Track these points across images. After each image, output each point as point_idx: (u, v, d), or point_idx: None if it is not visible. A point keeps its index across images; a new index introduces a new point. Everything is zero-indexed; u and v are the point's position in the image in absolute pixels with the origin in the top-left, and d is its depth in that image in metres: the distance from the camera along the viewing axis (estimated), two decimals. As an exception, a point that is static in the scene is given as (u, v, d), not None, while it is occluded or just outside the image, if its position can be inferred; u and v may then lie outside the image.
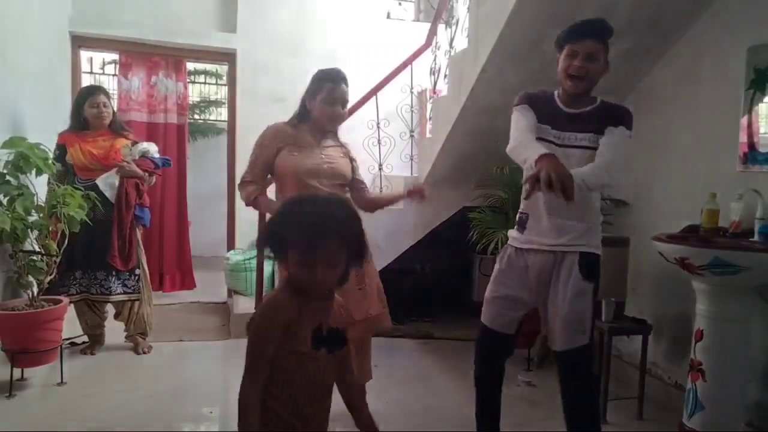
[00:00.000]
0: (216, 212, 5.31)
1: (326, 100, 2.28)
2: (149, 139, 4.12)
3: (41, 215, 2.81)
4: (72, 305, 3.11)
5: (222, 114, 6.99)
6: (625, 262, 2.82)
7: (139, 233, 3.35)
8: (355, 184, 2.45)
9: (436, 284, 4.48)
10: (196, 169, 5.34)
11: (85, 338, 3.34)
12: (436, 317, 4.19)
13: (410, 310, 4.10)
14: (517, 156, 1.90)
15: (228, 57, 4.81)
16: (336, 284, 1.30)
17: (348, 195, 2.39)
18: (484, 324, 2.10)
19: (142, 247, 3.38)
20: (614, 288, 2.72)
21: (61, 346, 2.83)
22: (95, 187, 3.13)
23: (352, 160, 2.46)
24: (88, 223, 2.93)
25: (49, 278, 2.85)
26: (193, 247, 4.91)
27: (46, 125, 3.47)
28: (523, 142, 1.88)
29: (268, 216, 2.32)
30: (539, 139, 1.95)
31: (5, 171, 2.75)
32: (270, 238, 1.29)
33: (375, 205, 2.52)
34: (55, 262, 2.85)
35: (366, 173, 3.82)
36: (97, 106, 3.21)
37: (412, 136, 4.11)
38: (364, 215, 3.41)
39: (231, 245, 4.76)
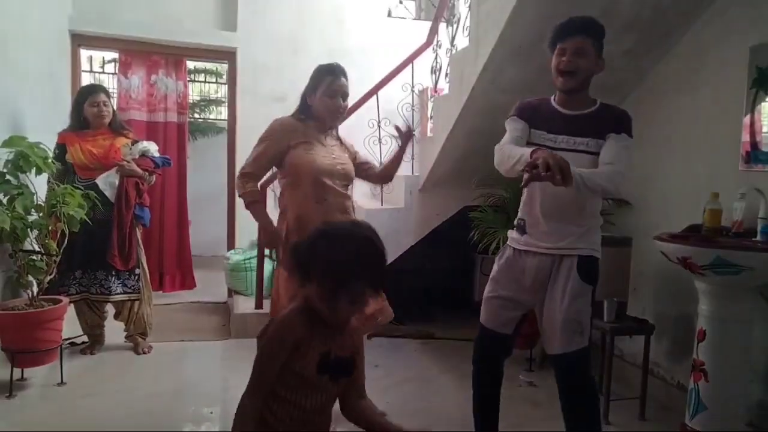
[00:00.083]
0: (216, 211, 5.30)
1: (327, 93, 2.28)
2: (149, 138, 4.11)
3: (41, 214, 2.80)
4: (72, 305, 3.10)
5: (222, 113, 6.98)
6: (627, 262, 2.81)
7: (139, 233, 3.35)
8: (363, 167, 2.51)
9: (437, 284, 4.47)
10: (196, 168, 5.34)
11: (85, 338, 3.34)
12: (436, 317, 4.18)
13: (411, 310, 4.09)
14: (506, 162, 1.87)
15: (228, 56, 4.80)
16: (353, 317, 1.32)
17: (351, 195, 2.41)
18: (482, 324, 2.10)
19: (142, 247, 3.37)
20: (616, 288, 2.72)
21: (61, 346, 2.83)
22: (95, 187, 3.12)
23: (353, 153, 2.49)
24: (87, 223, 2.93)
25: (48, 278, 2.84)
26: (192, 247, 4.91)
27: (46, 124, 3.46)
28: (508, 149, 1.87)
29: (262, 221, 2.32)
30: (534, 144, 1.93)
31: (5, 170, 2.75)
32: (299, 266, 1.27)
33: (388, 174, 2.56)
34: (54, 261, 2.85)
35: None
36: (97, 105, 3.20)
37: (413, 135, 4.09)
38: (364, 214, 3.40)
39: (231, 245, 4.75)
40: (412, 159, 4.01)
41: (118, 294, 3.22)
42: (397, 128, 2.45)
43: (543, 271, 1.95)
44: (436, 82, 4.11)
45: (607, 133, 1.87)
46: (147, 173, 3.32)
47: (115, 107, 3.50)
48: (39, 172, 2.80)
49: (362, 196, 4.23)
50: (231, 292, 4.36)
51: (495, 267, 2.10)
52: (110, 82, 5.91)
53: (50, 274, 2.85)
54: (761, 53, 2.32)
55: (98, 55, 6.27)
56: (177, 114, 4.77)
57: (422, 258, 4.32)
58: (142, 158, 3.33)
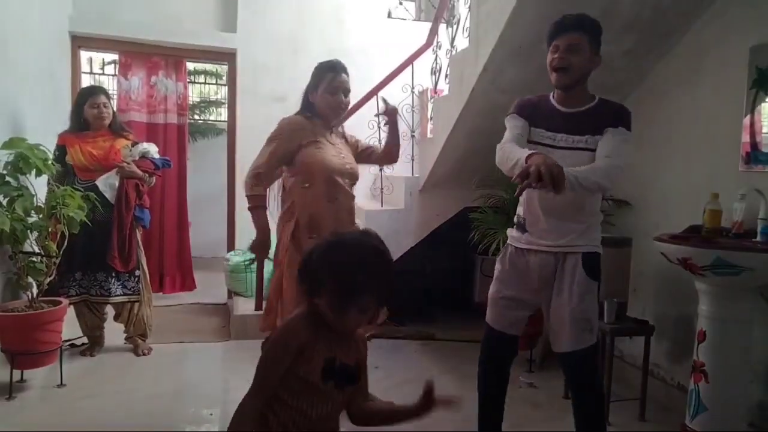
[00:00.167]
0: (216, 213, 5.30)
1: (328, 89, 2.29)
2: (149, 139, 4.11)
3: (41, 216, 2.80)
4: (72, 306, 3.10)
5: (222, 114, 6.98)
6: (627, 263, 2.81)
7: (139, 234, 3.35)
8: (367, 152, 2.53)
9: (437, 285, 4.47)
10: (196, 169, 5.34)
11: (85, 340, 3.33)
12: (437, 318, 4.18)
13: (411, 311, 4.08)
14: (505, 164, 1.87)
15: (228, 57, 4.81)
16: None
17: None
18: (489, 325, 2.09)
19: (142, 248, 3.37)
20: (616, 288, 2.72)
21: (60, 347, 2.82)
22: (95, 188, 3.12)
23: (355, 145, 2.50)
24: (87, 224, 2.93)
25: (48, 279, 2.84)
26: (192, 248, 4.91)
27: (46, 126, 3.46)
28: (509, 149, 1.87)
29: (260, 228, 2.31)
30: (534, 143, 1.95)
31: (5, 172, 2.75)
32: (306, 276, 1.27)
33: (389, 153, 2.55)
34: (54, 263, 2.84)
35: (367, 174, 3.82)
36: (97, 106, 3.20)
37: (413, 136, 4.10)
38: (364, 215, 3.39)
39: (231, 246, 4.75)
40: (412, 160, 4.02)
41: (118, 295, 3.22)
42: (381, 111, 2.46)
43: (547, 269, 1.95)
44: (436, 83, 4.11)
45: (605, 128, 1.87)
46: (147, 175, 3.32)
47: (115, 109, 3.50)
48: (39, 173, 2.80)
49: (362, 197, 4.23)
50: (231, 294, 4.36)
51: (498, 267, 2.11)
52: (110, 84, 5.92)
53: (50, 276, 2.85)
54: (761, 53, 2.32)
55: (98, 56, 6.29)
56: (177, 115, 4.77)
57: (422, 259, 4.32)
58: (142, 160, 3.33)
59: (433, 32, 3.98)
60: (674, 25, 2.69)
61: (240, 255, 4.30)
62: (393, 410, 1.36)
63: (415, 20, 5.49)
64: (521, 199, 2.03)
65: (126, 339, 3.36)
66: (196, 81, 7.03)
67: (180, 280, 4.79)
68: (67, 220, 2.80)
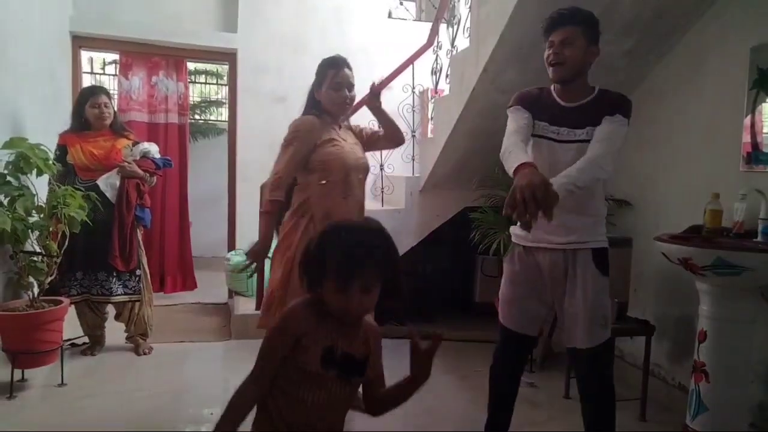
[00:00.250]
0: (216, 213, 5.31)
1: (332, 86, 2.30)
2: (150, 139, 4.12)
3: (42, 216, 2.80)
4: (72, 306, 3.10)
5: (223, 114, 6.99)
6: (627, 263, 2.81)
7: (139, 234, 3.35)
8: (373, 138, 2.53)
9: (438, 285, 4.47)
10: (197, 169, 5.34)
11: (86, 339, 3.33)
12: (437, 318, 4.17)
13: (412, 310, 4.08)
14: (505, 163, 1.85)
15: (229, 57, 4.80)
16: (367, 312, 1.29)
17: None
18: (505, 326, 2.08)
19: (142, 248, 3.37)
20: (617, 288, 2.71)
21: (61, 346, 2.83)
22: (96, 188, 3.13)
23: (361, 134, 2.50)
24: (88, 224, 2.92)
25: (49, 279, 2.84)
26: (193, 248, 4.90)
27: (47, 125, 3.46)
28: (508, 149, 1.85)
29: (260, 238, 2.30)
30: (538, 136, 1.94)
31: (6, 172, 2.75)
32: (307, 266, 1.27)
33: (391, 138, 2.52)
34: (55, 262, 2.85)
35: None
36: (98, 106, 3.21)
37: (413, 136, 4.09)
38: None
39: (231, 246, 4.75)
40: (413, 160, 4.02)
41: (118, 295, 3.22)
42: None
43: (558, 267, 1.94)
44: (437, 83, 4.11)
45: (602, 116, 1.86)
46: (148, 174, 3.33)
47: (115, 108, 3.50)
48: (40, 173, 2.80)
49: (363, 197, 4.23)
50: (231, 293, 4.36)
51: (508, 268, 2.08)
52: (111, 84, 5.93)
53: (51, 275, 2.85)
54: (762, 53, 2.32)
55: (99, 56, 6.29)
56: (178, 115, 4.77)
57: (423, 259, 4.32)
58: (143, 159, 3.34)
59: (434, 32, 3.98)
60: (674, 25, 2.69)
61: (240, 255, 4.29)
62: (399, 386, 1.35)
63: (415, 20, 5.50)
64: None
65: (127, 338, 3.36)
66: (197, 81, 7.04)
67: (181, 280, 4.78)
68: (68, 220, 2.81)
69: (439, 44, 3.99)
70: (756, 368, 2.24)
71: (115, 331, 3.38)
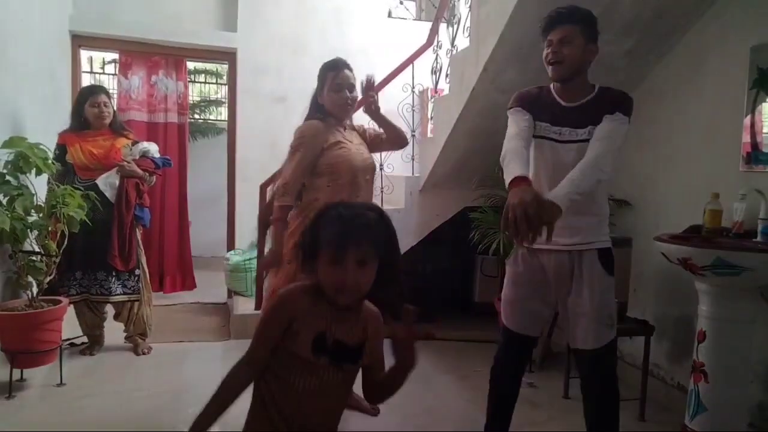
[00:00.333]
0: (216, 212, 5.31)
1: (332, 88, 2.33)
2: (149, 138, 4.12)
3: (41, 215, 2.80)
4: (71, 306, 3.10)
5: (222, 113, 6.99)
6: (627, 263, 2.81)
7: (139, 233, 3.35)
8: (377, 140, 2.56)
9: (438, 284, 4.47)
10: (196, 169, 5.34)
11: (85, 339, 3.33)
12: (437, 318, 4.17)
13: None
14: (503, 171, 1.85)
15: (228, 56, 4.81)
16: (363, 293, 1.24)
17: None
18: (507, 328, 2.07)
19: (142, 248, 3.37)
20: (616, 288, 2.68)
21: (60, 346, 2.82)
22: (95, 187, 3.12)
23: (365, 135, 2.53)
24: (87, 223, 2.92)
25: (48, 278, 2.84)
26: (192, 248, 4.90)
27: (46, 125, 3.46)
28: (506, 156, 1.85)
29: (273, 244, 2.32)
30: (540, 137, 1.93)
31: (5, 171, 2.74)
32: (304, 240, 1.26)
33: (394, 141, 2.54)
34: (54, 262, 2.84)
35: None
36: (98, 105, 3.20)
37: (413, 135, 4.09)
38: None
39: (231, 246, 4.75)
40: (413, 159, 4.02)
41: (118, 295, 3.22)
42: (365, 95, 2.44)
43: (563, 267, 1.92)
44: (437, 83, 4.11)
45: (603, 114, 1.84)
46: (147, 174, 3.32)
47: (115, 108, 3.50)
48: (39, 172, 2.80)
49: (362, 197, 4.23)
50: (231, 293, 4.36)
51: (510, 269, 2.07)
52: (110, 83, 5.92)
53: (50, 275, 2.84)
54: (762, 53, 2.32)
55: (98, 55, 6.29)
56: (177, 114, 4.76)
57: (423, 259, 4.32)
58: (143, 159, 3.33)
59: (434, 32, 3.98)
60: (674, 25, 2.69)
61: (240, 254, 4.30)
62: (389, 374, 1.33)
63: (415, 20, 5.50)
64: None
65: (126, 338, 3.36)
66: (197, 80, 7.04)
67: (180, 280, 4.78)
68: (67, 219, 2.80)
69: (439, 44, 3.99)
70: (755, 368, 2.24)
71: (114, 331, 3.38)
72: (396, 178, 4.04)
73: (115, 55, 5.00)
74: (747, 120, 2.38)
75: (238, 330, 3.64)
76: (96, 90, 3.30)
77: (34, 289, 2.81)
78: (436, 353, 3.55)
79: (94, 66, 6.43)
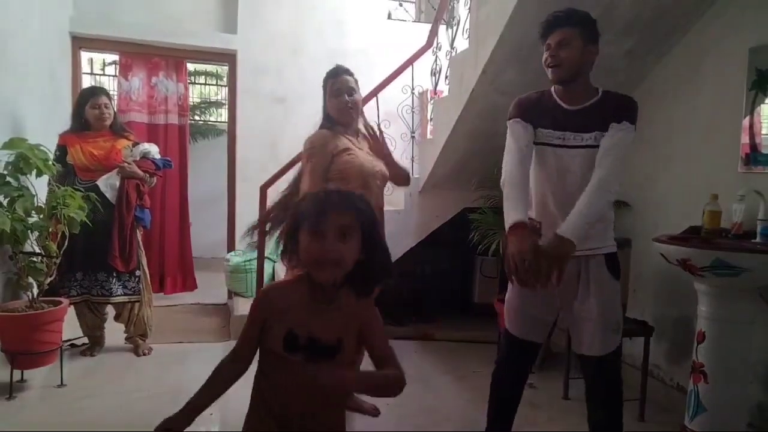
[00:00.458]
0: (216, 214, 5.31)
1: (332, 94, 2.39)
2: (150, 140, 4.12)
3: (41, 216, 2.80)
4: (72, 306, 3.10)
5: (222, 115, 7.00)
6: (626, 264, 2.81)
7: (139, 234, 3.35)
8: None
9: (437, 285, 4.48)
10: (196, 170, 5.36)
11: (85, 340, 3.34)
12: (436, 318, 4.18)
13: (411, 310, 4.09)
14: (504, 198, 1.86)
15: (228, 58, 4.82)
16: (344, 267, 1.20)
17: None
18: (508, 332, 2.05)
19: (142, 249, 3.38)
20: (615, 289, 2.72)
21: (61, 347, 2.83)
22: (96, 188, 3.13)
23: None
24: (88, 224, 2.93)
25: (49, 279, 2.84)
26: (193, 249, 4.91)
27: (47, 126, 3.47)
28: (505, 190, 1.86)
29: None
30: (542, 144, 1.90)
31: (5, 172, 2.75)
32: (287, 225, 1.27)
33: (396, 175, 2.55)
34: (55, 263, 2.85)
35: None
36: (98, 107, 3.21)
37: (413, 137, 4.10)
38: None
39: (231, 247, 4.76)
40: (412, 161, 4.03)
41: (118, 295, 3.23)
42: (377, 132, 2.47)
43: (570, 273, 1.87)
44: (436, 84, 4.12)
45: (610, 122, 1.82)
46: (148, 175, 3.33)
47: (115, 109, 3.51)
48: (39, 174, 2.81)
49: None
50: (231, 294, 4.37)
51: None
52: (111, 84, 5.93)
53: (50, 276, 2.85)
54: (760, 55, 2.33)
55: (99, 57, 6.30)
56: (178, 116, 4.78)
57: (422, 259, 4.33)
58: (143, 160, 3.34)
59: (433, 33, 3.99)
60: (674, 25, 2.70)
61: (240, 255, 4.30)
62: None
63: (414, 21, 5.51)
64: (534, 201, 1.97)
65: (126, 339, 3.37)
66: (197, 82, 7.06)
67: (181, 281, 4.79)
68: (67, 221, 2.81)
69: (439, 45, 4.00)
70: (754, 369, 2.24)
71: (114, 332, 3.38)
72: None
73: (116, 57, 5.01)
74: (746, 121, 2.38)
75: (238, 331, 3.55)
76: (97, 91, 3.31)
77: (35, 290, 2.81)
78: (436, 354, 3.56)
79: (94, 67, 6.44)
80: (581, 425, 2.01)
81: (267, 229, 2.75)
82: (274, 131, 4.77)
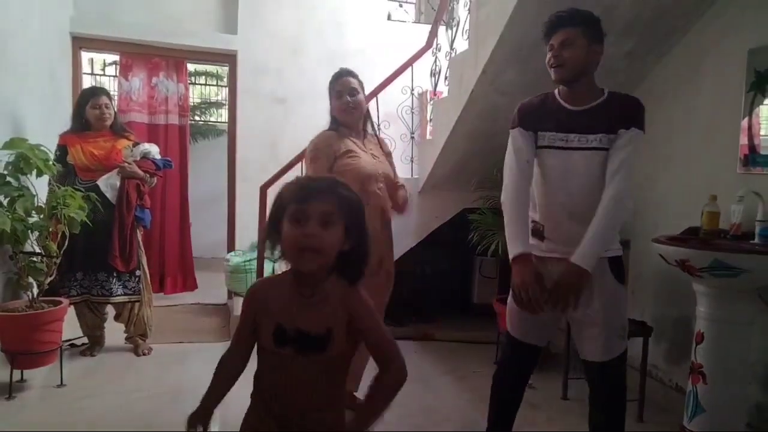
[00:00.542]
0: (216, 214, 5.32)
1: (334, 95, 2.44)
2: (150, 140, 4.13)
3: (41, 216, 2.81)
4: (72, 306, 3.11)
5: (222, 115, 7.01)
6: (625, 264, 2.80)
7: (139, 234, 3.35)
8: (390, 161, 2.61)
9: (437, 286, 4.48)
10: (197, 170, 5.36)
11: (85, 340, 3.34)
12: (436, 318, 4.19)
13: (410, 311, 4.10)
14: (505, 223, 1.88)
15: (228, 58, 4.82)
16: (326, 256, 1.18)
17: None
18: (511, 335, 2.04)
19: (142, 249, 3.38)
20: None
21: (61, 347, 2.83)
22: (96, 188, 3.13)
23: (388, 155, 2.60)
24: (88, 224, 2.93)
25: (49, 279, 2.85)
26: (193, 249, 4.91)
27: (47, 126, 3.47)
28: (505, 208, 1.87)
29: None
30: (545, 147, 1.88)
31: (6, 172, 2.75)
32: (269, 218, 1.24)
33: (396, 206, 2.59)
34: (55, 263, 2.85)
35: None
36: (99, 107, 3.22)
37: (412, 137, 4.11)
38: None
39: (231, 247, 4.76)
40: (412, 162, 4.03)
41: (118, 295, 3.23)
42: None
43: None
44: (436, 85, 4.12)
45: (617, 127, 1.80)
46: (148, 175, 3.34)
47: (116, 109, 3.51)
48: (40, 174, 2.81)
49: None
50: (231, 294, 4.37)
51: None
52: (111, 85, 5.94)
53: (50, 276, 2.85)
54: (759, 56, 2.33)
55: (99, 57, 6.31)
56: (178, 116, 4.78)
57: (422, 260, 4.33)
58: (144, 160, 3.34)
59: (433, 34, 4.00)
60: (674, 26, 2.70)
61: (240, 256, 4.31)
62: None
63: (414, 22, 5.52)
64: (538, 203, 1.95)
65: (126, 339, 3.37)
66: (197, 82, 7.07)
67: (181, 281, 4.79)
68: (67, 220, 2.81)
69: (438, 46, 4.01)
70: (753, 369, 2.25)
71: (114, 332, 3.39)
72: (395, 180, 4.05)
73: (116, 57, 5.01)
74: (744, 122, 2.39)
75: (238, 331, 3.64)
76: (97, 92, 3.31)
77: (35, 290, 2.82)
78: (435, 354, 3.56)
79: (95, 68, 6.45)
80: (580, 425, 2.01)
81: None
82: (274, 131, 4.78)
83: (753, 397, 2.29)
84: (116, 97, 4.63)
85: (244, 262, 4.15)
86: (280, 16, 4.80)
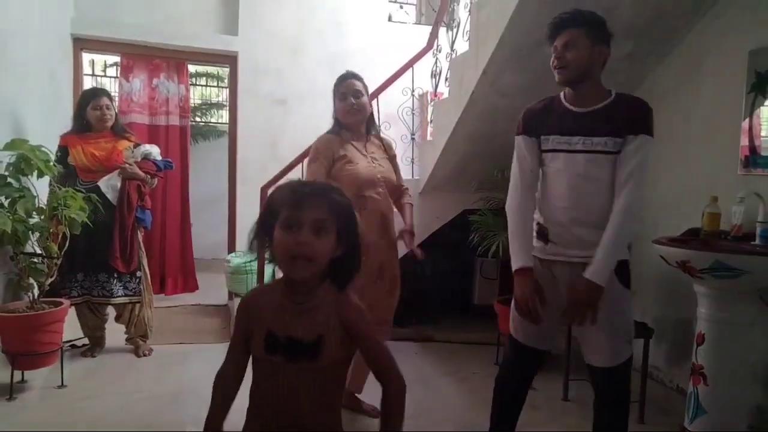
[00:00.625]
0: (216, 215, 5.32)
1: (338, 97, 2.45)
2: (151, 141, 4.13)
3: (42, 217, 2.81)
4: (72, 307, 3.11)
5: (223, 116, 7.01)
6: (626, 266, 2.81)
7: (140, 235, 3.36)
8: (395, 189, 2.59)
9: (437, 287, 4.47)
10: (197, 171, 5.37)
11: (86, 341, 3.34)
12: (436, 320, 4.18)
13: (411, 312, 4.09)
14: (508, 233, 1.90)
15: (229, 59, 4.83)
16: (318, 263, 1.17)
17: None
18: (514, 338, 2.02)
19: (143, 250, 3.38)
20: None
21: (61, 348, 2.83)
22: (97, 189, 3.13)
23: (392, 158, 2.60)
24: (89, 225, 2.93)
25: (49, 280, 2.85)
26: (193, 250, 4.92)
27: (48, 127, 3.48)
28: (512, 227, 1.89)
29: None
30: (549, 151, 1.87)
31: (6, 173, 2.76)
32: (260, 221, 1.23)
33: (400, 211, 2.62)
34: (55, 264, 2.85)
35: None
36: (100, 108, 3.22)
37: (413, 138, 4.11)
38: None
39: (232, 248, 4.76)
40: (412, 163, 4.03)
41: (119, 296, 3.23)
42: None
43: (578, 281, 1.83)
44: (436, 86, 4.13)
45: (624, 131, 1.75)
46: (149, 176, 3.34)
47: (117, 110, 3.52)
48: (40, 175, 2.81)
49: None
50: (231, 295, 4.37)
51: None
52: (112, 86, 5.95)
53: (51, 277, 2.85)
54: (760, 57, 2.33)
55: (100, 58, 6.31)
56: (179, 117, 4.79)
57: (422, 261, 4.32)
58: (145, 161, 3.35)
59: (434, 35, 4.00)
60: (674, 28, 2.71)
61: (241, 257, 4.31)
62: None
63: (415, 24, 5.52)
64: (541, 205, 1.94)
65: (127, 340, 3.37)
66: (198, 83, 7.07)
67: (182, 281, 4.80)
68: (68, 221, 2.81)
69: (439, 47, 4.01)
70: (754, 370, 2.24)
71: (115, 333, 3.39)
72: (396, 181, 4.05)
73: (117, 58, 5.02)
74: (745, 123, 2.39)
75: (239, 332, 3.64)
76: (98, 93, 3.32)
77: (36, 291, 2.82)
78: (436, 355, 3.56)
79: (95, 69, 6.46)
80: (580, 426, 2.01)
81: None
82: (275, 132, 4.78)
83: (754, 398, 2.29)
84: (117, 98, 4.64)
85: (245, 263, 4.15)
86: (281, 17, 4.81)
